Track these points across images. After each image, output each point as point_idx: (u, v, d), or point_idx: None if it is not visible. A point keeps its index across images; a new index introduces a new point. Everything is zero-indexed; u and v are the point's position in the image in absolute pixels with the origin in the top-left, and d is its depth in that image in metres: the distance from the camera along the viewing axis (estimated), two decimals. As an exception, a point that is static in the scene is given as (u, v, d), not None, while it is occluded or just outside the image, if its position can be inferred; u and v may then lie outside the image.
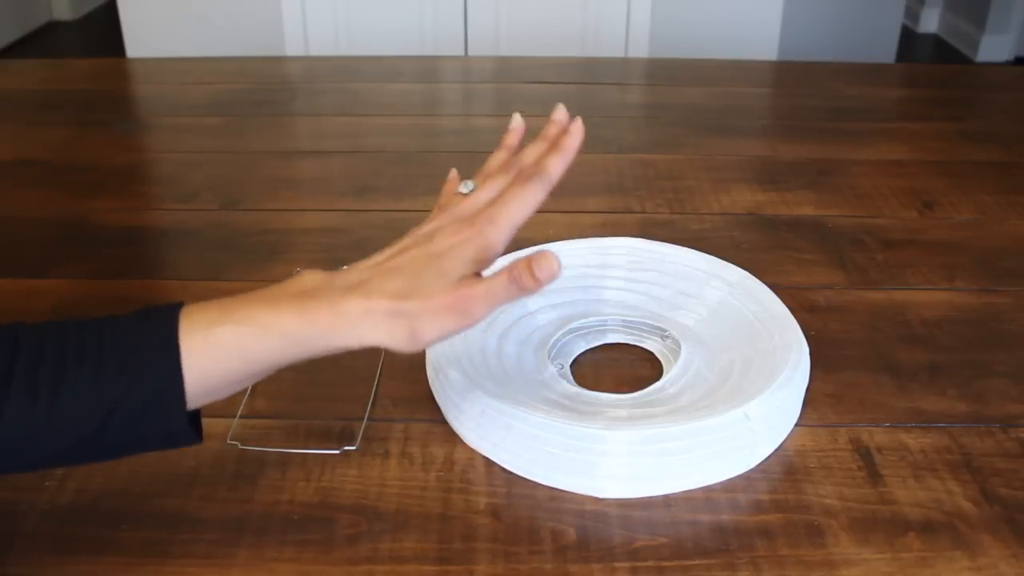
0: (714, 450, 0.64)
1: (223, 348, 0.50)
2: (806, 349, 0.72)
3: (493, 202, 0.55)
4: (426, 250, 0.54)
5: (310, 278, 0.54)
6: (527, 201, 0.54)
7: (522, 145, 0.61)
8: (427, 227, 0.56)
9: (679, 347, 0.75)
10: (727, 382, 0.71)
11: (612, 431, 0.63)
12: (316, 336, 0.52)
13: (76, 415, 0.49)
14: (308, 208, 1.02)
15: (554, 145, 0.57)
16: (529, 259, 0.51)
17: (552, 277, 0.51)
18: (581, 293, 0.83)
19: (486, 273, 0.55)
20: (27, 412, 0.48)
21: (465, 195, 0.57)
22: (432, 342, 0.52)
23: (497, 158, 0.61)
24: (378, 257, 0.56)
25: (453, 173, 0.63)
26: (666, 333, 0.78)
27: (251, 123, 1.28)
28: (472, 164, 0.58)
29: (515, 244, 0.88)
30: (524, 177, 0.55)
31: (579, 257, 0.86)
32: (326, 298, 0.52)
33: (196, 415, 0.51)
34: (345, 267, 0.55)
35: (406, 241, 0.56)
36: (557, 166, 0.56)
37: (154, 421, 0.50)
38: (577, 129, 0.58)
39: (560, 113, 0.60)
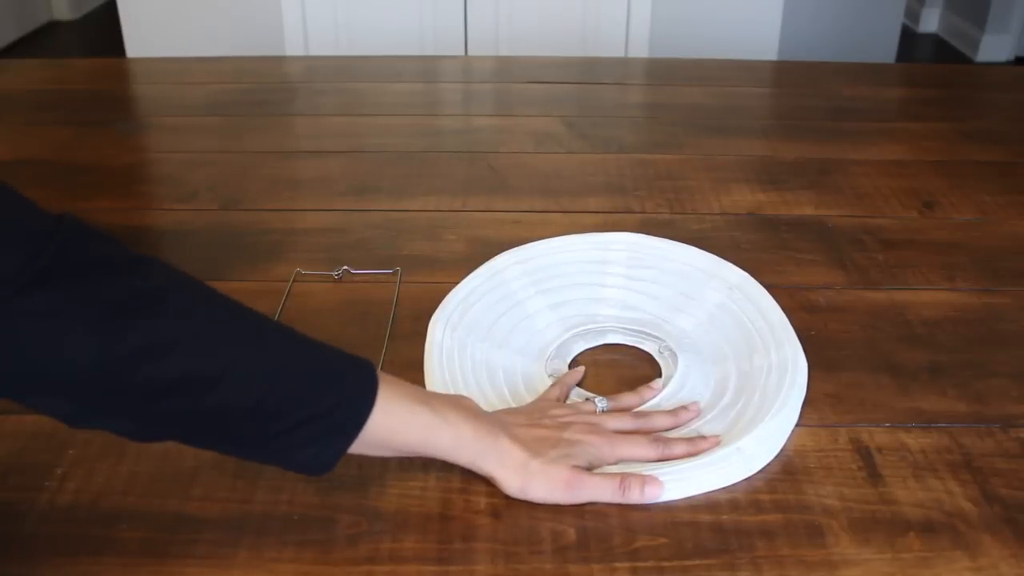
0: (712, 457, 0.64)
1: (412, 424, 0.58)
2: (803, 366, 0.72)
3: (620, 434, 0.66)
4: (559, 434, 0.63)
5: (471, 402, 0.63)
6: (641, 455, 0.64)
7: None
8: (561, 415, 0.66)
9: (676, 359, 0.75)
10: (722, 399, 0.71)
11: (612, 431, 0.63)
12: (472, 450, 0.60)
13: (273, 401, 0.53)
14: (308, 208, 1.02)
15: (692, 441, 0.66)
16: (644, 479, 0.61)
17: (654, 500, 0.61)
18: (580, 291, 0.83)
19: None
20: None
21: (597, 410, 0.68)
22: (535, 500, 0.61)
23: (629, 398, 0.71)
24: (519, 418, 0.65)
25: (582, 370, 0.75)
26: (663, 344, 0.77)
27: (251, 123, 1.27)
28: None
29: (517, 241, 0.88)
30: (651, 437, 0.66)
31: (579, 253, 0.85)
32: (490, 425, 0.61)
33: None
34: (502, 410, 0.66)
35: (545, 420, 0.65)
36: (681, 452, 0.65)
37: (323, 441, 0.55)
38: (714, 441, 0.66)
39: (690, 412, 0.70)
